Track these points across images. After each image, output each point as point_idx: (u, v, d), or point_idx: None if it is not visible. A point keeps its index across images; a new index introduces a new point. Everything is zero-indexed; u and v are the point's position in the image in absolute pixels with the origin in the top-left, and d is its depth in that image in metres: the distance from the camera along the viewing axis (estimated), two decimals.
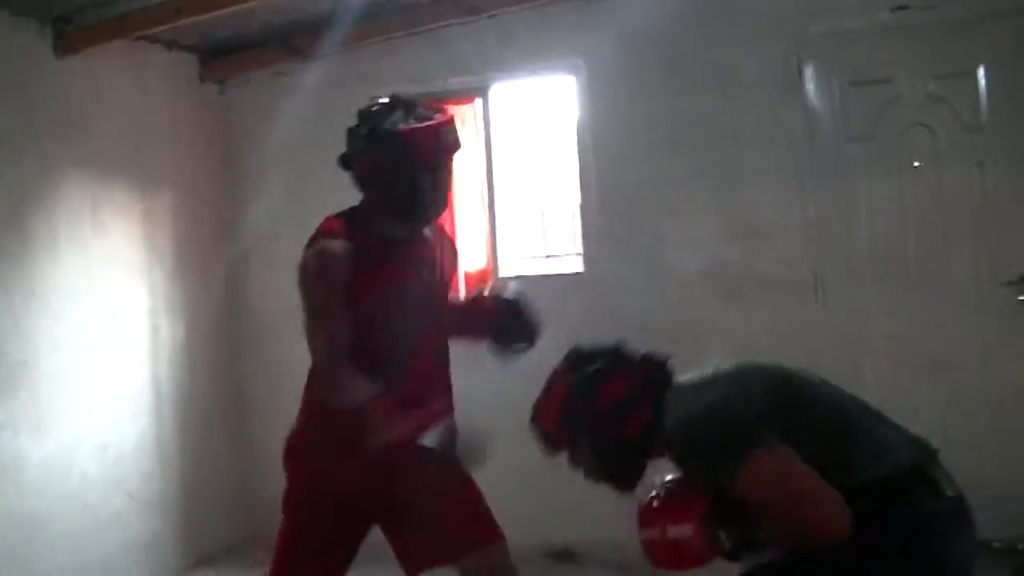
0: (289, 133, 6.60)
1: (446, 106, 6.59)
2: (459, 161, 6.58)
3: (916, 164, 5.91)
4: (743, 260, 6.10)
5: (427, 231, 3.58)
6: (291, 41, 6.54)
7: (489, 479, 6.50)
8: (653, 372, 3.45)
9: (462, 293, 6.51)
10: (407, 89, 6.64)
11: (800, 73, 6.08)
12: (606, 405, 3.19)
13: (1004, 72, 5.78)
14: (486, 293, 3.88)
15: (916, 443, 3.13)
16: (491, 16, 6.39)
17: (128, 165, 6.19)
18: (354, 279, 3.27)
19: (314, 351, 3.26)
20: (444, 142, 3.41)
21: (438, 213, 3.56)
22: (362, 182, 3.43)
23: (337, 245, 3.28)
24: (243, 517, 6.81)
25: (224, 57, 6.82)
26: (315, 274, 3.28)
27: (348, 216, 3.44)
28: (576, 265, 6.73)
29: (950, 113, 5.85)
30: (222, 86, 7.04)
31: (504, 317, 3.76)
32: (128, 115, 6.22)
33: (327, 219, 3.42)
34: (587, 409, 3.21)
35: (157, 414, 6.31)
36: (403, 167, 3.32)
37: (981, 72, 5.83)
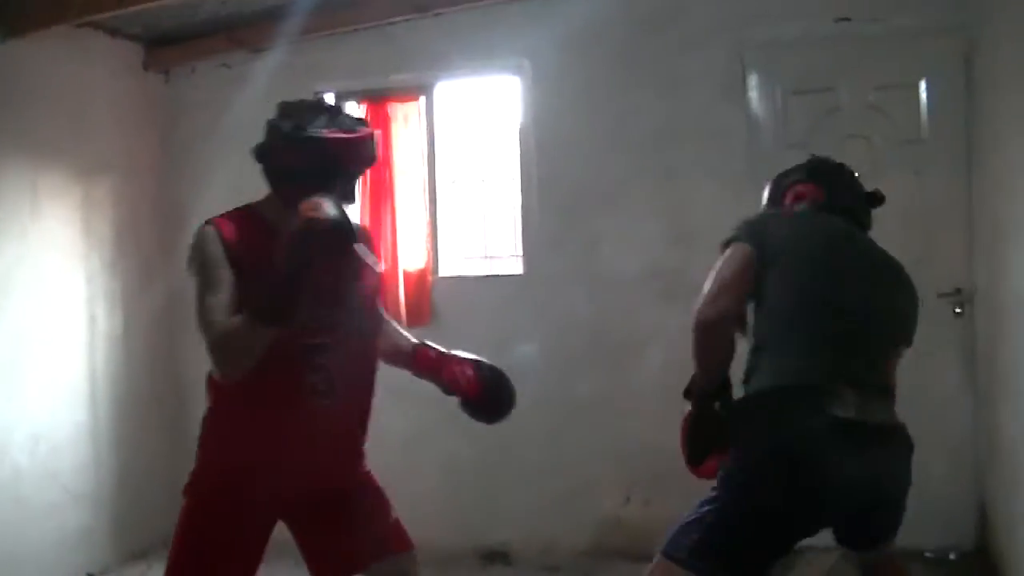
0: (233, 124, 6.55)
1: (388, 104, 6.63)
2: (401, 159, 6.61)
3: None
4: (681, 262, 6.14)
5: None
6: (237, 32, 6.52)
7: (423, 481, 6.56)
8: None
9: (400, 292, 6.51)
10: (351, 84, 6.67)
11: (743, 79, 6.13)
12: (792, 199, 3.94)
13: (946, 85, 5.84)
14: (466, 356, 3.82)
15: (834, 362, 3.28)
16: (437, 14, 6.39)
17: (69, 151, 6.14)
18: (241, 270, 3.21)
19: (204, 332, 3.13)
20: (365, 155, 3.39)
21: None
22: (274, 177, 3.39)
23: (210, 230, 3.23)
24: (178, 511, 6.74)
25: (169, 46, 6.77)
26: (194, 257, 3.23)
27: (245, 210, 3.40)
28: (516, 266, 6.74)
29: (889, 125, 5.92)
30: (167, 75, 7.00)
31: (485, 389, 3.75)
32: (71, 101, 6.17)
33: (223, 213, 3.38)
34: None
35: (92, 405, 6.26)
36: (320, 172, 3.28)
37: (923, 85, 5.90)
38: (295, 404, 3.32)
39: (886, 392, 3.41)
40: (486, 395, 3.74)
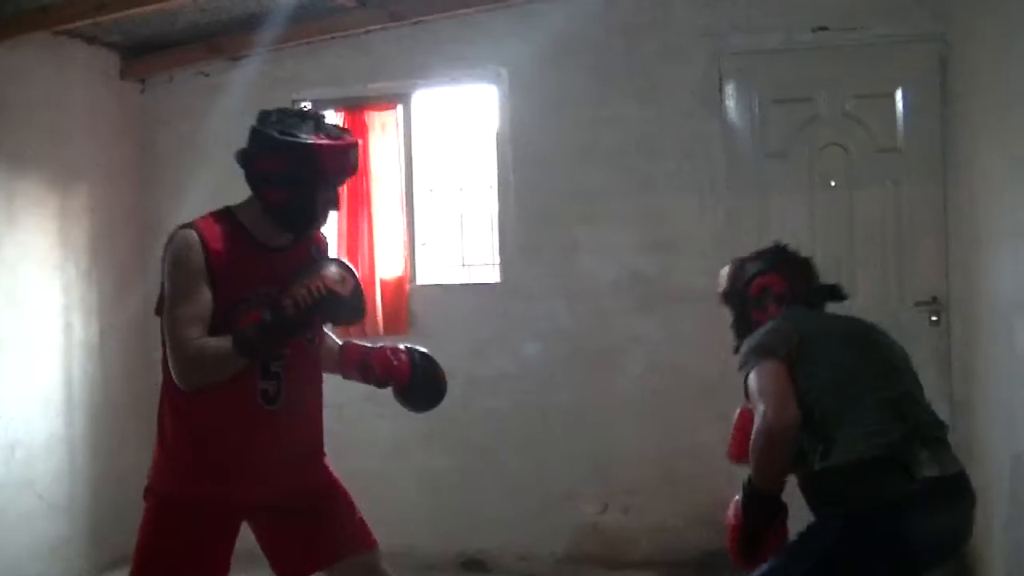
0: (210, 133, 6.55)
1: (365, 112, 6.62)
2: (378, 167, 6.60)
3: (832, 184, 5.99)
4: (657, 271, 6.16)
5: (305, 242, 3.54)
6: (214, 41, 6.51)
7: (403, 489, 6.55)
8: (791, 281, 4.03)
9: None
10: (328, 92, 6.67)
11: (721, 88, 6.15)
12: (756, 290, 4.03)
13: (922, 95, 5.88)
14: (398, 345, 3.80)
15: (903, 426, 3.33)
16: (415, 23, 6.38)
17: (44, 159, 6.11)
18: (218, 277, 3.25)
19: (176, 344, 3.23)
20: (348, 163, 3.42)
21: (318, 228, 3.55)
22: (256, 182, 3.40)
23: (192, 235, 3.26)
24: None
25: (146, 55, 6.75)
26: (173, 262, 3.26)
27: (224, 214, 3.42)
28: (493, 275, 6.74)
29: (866, 134, 5.94)
30: (143, 84, 6.97)
31: (417, 374, 3.73)
32: (46, 109, 6.14)
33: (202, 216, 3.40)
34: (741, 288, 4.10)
35: (68, 414, 6.23)
36: (304, 178, 3.31)
37: (899, 94, 5.93)
38: (248, 409, 3.36)
39: (945, 439, 3.46)
40: (418, 379, 3.71)
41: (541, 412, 6.32)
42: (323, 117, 3.46)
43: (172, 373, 3.26)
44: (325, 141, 3.32)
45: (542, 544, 6.34)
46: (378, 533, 3.66)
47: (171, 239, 3.29)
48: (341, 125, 3.57)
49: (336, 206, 3.48)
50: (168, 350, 3.28)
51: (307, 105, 6.67)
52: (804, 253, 4.19)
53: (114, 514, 6.42)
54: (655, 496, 6.21)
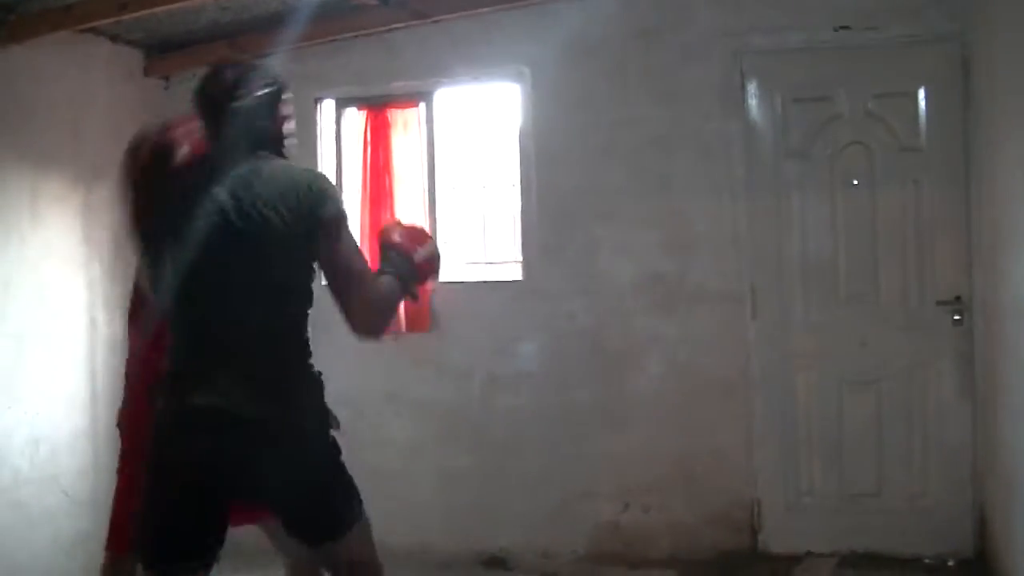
0: None
1: (388, 110, 6.63)
2: (401, 165, 6.62)
3: (855, 183, 5.98)
4: (677, 271, 6.15)
5: None
6: (237, 39, 6.51)
7: (423, 487, 6.57)
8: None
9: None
10: (351, 91, 6.69)
11: (742, 87, 6.13)
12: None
13: (944, 94, 5.85)
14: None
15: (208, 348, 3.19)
16: (436, 22, 6.39)
17: (68, 157, 6.14)
18: None
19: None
20: None
21: None
22: None
23: None
24: None
25: (169, 53, 6.78)
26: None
27: None
28: (516, 272, 6.74)
29: (888, 133, 5.93)
30: (167, 81, 7.00)
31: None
32: (70, 107, 6.17)
33: None
34: None
35: (92, 410, 6.26)
36: None
37: (921, 93, 5.90)
38: None
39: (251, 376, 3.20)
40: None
41: (561, 410, 6.33)
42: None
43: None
44: None
45: (562, 542, 6.34)
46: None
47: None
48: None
49: None
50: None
51: (329, 103, 6.72)
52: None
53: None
54: (675, 495, 6.22)
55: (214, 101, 3.36)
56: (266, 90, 3.37)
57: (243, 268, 3.13)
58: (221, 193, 3.13)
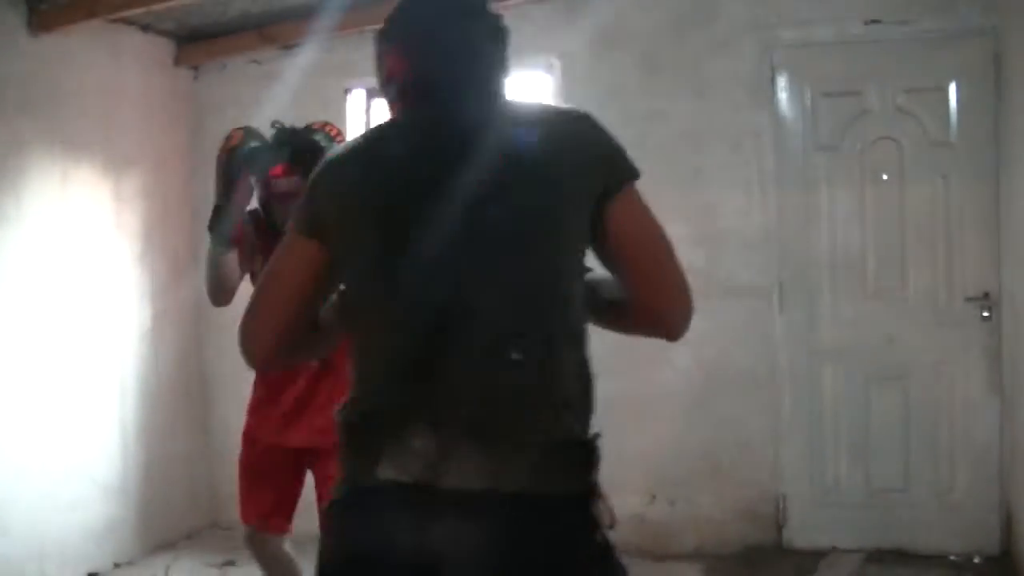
0: (262, 120, 6.56)
1: None
2: None
3: (884, 177, 5.95)
4: (706, 265, 6.13)
5: None
6: (267, 29, 6.53)
7: None
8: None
9: None
10: None
11: (772, 81, 6.12)
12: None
13: (975, 89, 5.82)
14: None
15: (427, 392, 2.08)
16: None
17: (99, 146, 6.17)
18: None
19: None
20: None
21: None
22: None
23: None
24: (204, 504, 6.82)
25: (199, 42, 6.80)
26: None
27: None
28: None
29: (918, 128, 5.90)
30: (196, 71, 7.03)
31: None
32: (100, 96, 6.20)
33: None
34: None
35: (121, 398, 6.30)
36: None
37: (952, 87, 5.88)
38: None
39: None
40: None
41: None
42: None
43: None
44: None
45: None
46: None
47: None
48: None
49: None
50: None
51: (359, 93, 6.72)
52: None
53: (165, 497, 6.52)
54: (701, 489, 6.21)
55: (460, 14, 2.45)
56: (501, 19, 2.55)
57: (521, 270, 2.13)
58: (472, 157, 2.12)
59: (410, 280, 2.07)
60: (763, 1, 6.11)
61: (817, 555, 5.90)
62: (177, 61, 6.86)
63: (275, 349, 2.27)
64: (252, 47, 6.74)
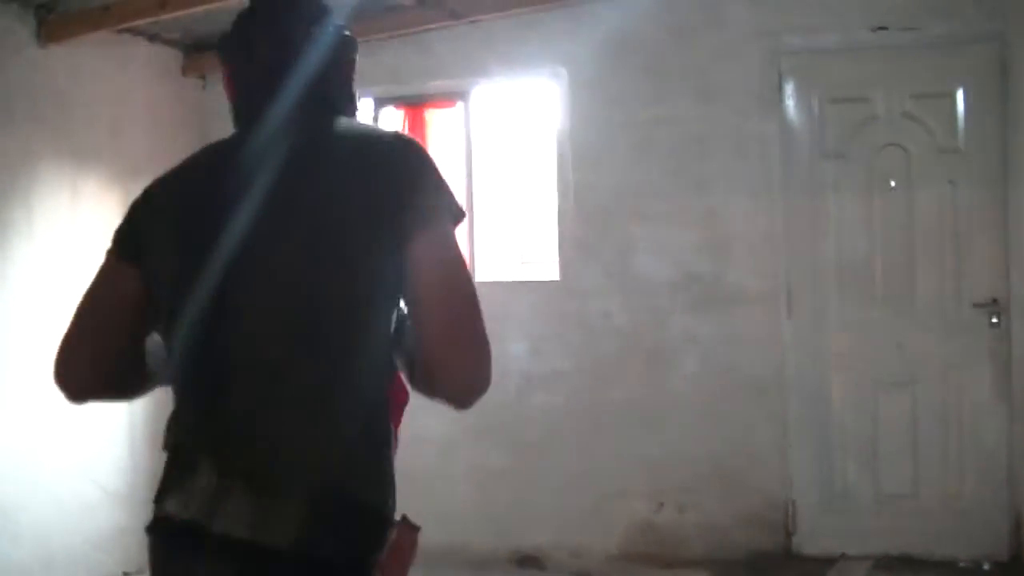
0: None
1: (426, 109, 6.66)
2: (440, 165, 6.63)
3: (892, 183, 5.95)
4: (713, 271, 6.14)
5: None
6: None
7: (457, 485, 6.58)
8: None
9: None
10: (389, 90, 6.71)
11: (779, 87, 6.12)
12: None
13: (982, 94, 5.83)
14: None
15: (224, 433, 2.04)
16: (473, 21, 6.40)
17: (108, 155, 6.19)
18: None
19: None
20: None
21: None
22: None
23: None
24: None
25: (207, 52, 6.81)
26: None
27: None
28: (552, 272, 6.74)
29: (925, 134, 5.90)
30: (204, 80, 7.04)
31: None
32: (109, 105, 6.22)
33: None
34: None
35: (129, 406, 6.29)
36: None
37: (959, 94, 5.87)
38: None
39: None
40: None
41: (596, 409, 6.33)
42: None
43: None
44: None
45: (596, 541, 6.34)
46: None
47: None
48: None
49: None
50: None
51: (368, 102, 6.74)
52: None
53: None
54: (709, 495, 6.21)
55: (284, 26, 2.24)
56: (343, 30, 2.25)
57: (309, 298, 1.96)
58: (267, 175, 1.99)
59: (196, 312, 2.00)
60: (770, 8, 6.12)
61: (826, 562, 5.90)
62: (185, 71, 6.88)
63: (90, 380, 2.25)
64: None
